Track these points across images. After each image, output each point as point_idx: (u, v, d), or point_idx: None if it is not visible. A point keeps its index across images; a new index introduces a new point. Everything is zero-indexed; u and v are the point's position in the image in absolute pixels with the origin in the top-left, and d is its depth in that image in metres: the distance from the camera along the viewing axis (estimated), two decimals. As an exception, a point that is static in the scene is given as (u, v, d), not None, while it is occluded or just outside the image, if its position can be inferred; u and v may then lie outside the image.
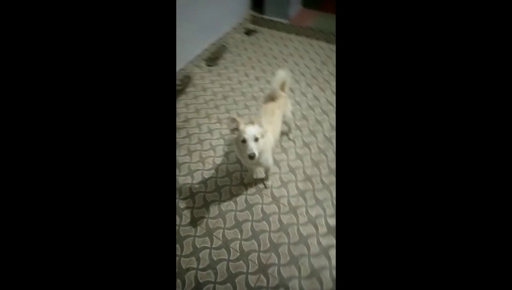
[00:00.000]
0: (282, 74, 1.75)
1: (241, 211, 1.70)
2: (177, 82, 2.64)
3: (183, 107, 2.51)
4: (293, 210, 1.71)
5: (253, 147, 1.34)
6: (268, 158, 1.63)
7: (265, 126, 1.56)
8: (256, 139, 1.41)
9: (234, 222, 1.64)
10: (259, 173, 1.86)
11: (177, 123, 2.33)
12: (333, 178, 1.84)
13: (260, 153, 1.46)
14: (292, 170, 1.92)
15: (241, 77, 2.77)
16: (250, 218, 1.66)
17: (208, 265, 1.45)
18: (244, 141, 1.36)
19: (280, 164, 1.96)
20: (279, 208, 1.72)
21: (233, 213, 1.70)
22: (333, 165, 1.91)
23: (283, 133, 2.03)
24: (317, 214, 1.67)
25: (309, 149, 2.04)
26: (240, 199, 1.77)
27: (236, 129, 1.39)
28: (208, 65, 2.93)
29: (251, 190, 1.82)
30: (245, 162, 1.54)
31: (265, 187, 1.84)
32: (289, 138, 2.12)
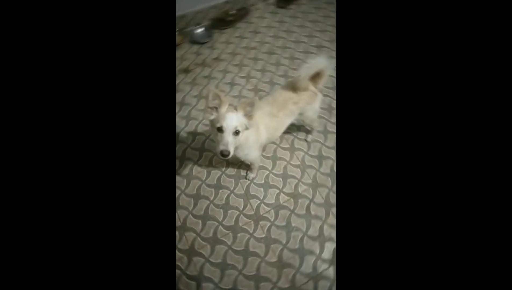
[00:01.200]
0: (320, 62, 1.20)
1: (208, 186, 1.52)
2: (231, 11, 2.24)
3: (223, 42, 2.18)
4: (256, 220, 1.43)
5: (229, 141, 1.03)
6: (249, 154, 1.28)
7: (258, 118, 1.16)
8: (237, 132, 1.05)
9: (195, 192, 1.50)
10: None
11: (207, 60, 2.06)
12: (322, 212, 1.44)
13: (238, 148, 1.14)
14: (284, 177, 1.57)
15: (302, 37, 2.19)
16: (210, 199, 1.49)
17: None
18: (220, 130, 1.04)
19: (278, 163, 1.60)
20: (244, 207, 1.47)
21: (200, 184, 1.53)
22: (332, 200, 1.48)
23: (299, 129, 1.64)
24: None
25: (320, 164, 1.58)
26: (214, 174, 1.57)
27: (215, 108, 1.07)
28: (280, 6, 2.41)
29: (230, 171, 1.58)
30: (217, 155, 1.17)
31: (245, 178, 1.57)
32: (305, 139, 1.66)
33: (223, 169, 1.58)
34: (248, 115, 1.07)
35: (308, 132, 1.66)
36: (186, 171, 1.56)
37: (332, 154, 1.63)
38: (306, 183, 1.52)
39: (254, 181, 1.54)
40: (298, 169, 1.57)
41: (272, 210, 1.44)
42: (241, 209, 1.45)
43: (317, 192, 1.49)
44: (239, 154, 1.21)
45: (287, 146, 1.65)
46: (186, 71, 2.02)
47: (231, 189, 1.51)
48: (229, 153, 1.02)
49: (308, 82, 1.24)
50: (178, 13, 2.22)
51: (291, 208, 1.44)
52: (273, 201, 1.47)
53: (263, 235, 1.37)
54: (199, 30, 2.19)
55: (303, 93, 1.27)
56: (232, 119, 1.02)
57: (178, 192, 1.50)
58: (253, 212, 1.43)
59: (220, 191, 1.51)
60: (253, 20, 2.31)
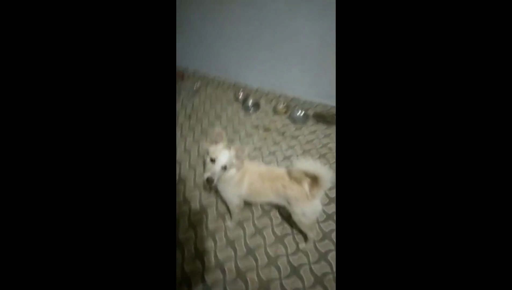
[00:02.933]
0: (314, 166, 1.21)
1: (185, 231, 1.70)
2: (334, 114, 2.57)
3: (310, 133, 2.51)
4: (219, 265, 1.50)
5: (216, 172, 1.26)
6: (227, 192, 1.46)
7: (248, 170, 1.37)
8: (225, 167, 1.29)
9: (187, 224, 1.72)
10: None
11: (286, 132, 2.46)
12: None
13: (221, 182, 1.36)
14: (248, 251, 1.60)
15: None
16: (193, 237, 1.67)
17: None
18: (213, 160, 1.28)
19: (256, 237, 1.67)
20: (215, 244, 1.59)
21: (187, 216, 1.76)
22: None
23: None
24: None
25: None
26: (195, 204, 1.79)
27: (214, 143, 1.30)
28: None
29: (212, 213, 1.77)
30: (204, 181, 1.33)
31: (224, 222, 1.70)
32: (297, 246, 1.63)
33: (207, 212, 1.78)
34: (238, 158, 1.31)
35: (305, 237, 1.61)
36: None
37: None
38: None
39: (228, 230, 1.67)
40: (265, 256, 1.59)
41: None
42: (213, 247, 1.63)
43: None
44: (220, 187, 1.45)
45: (278, 233, 1.70)
46: (266, 129, 2.50)
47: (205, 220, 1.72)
48: (213, 180, 1.26)
49: (302, 176, 1.29)
50: (293, 94, 2.79)
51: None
52: (244, 249, 1.57)
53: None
54: (300, 113, 2.67)
55: (295, 184, 1.33)
56: (225, 156, 1.27)
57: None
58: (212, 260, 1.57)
59: (197, 228, 1.72)
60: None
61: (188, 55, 3.13)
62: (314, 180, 1.30)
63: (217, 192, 1.65)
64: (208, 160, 1.30)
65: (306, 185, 1.33)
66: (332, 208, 1.85)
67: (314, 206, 1.37)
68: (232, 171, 1.36)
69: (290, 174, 1.35)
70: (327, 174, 1.23)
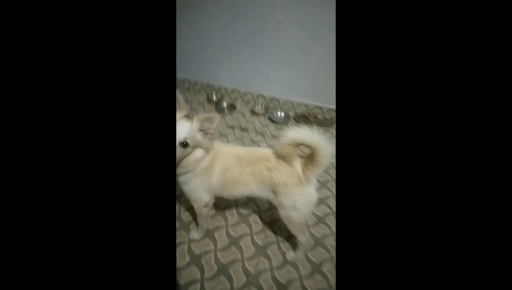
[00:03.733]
0: (309, 134, 0.92)
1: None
2: (318, 115, 2.36)
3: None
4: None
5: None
6: (194, 190, 1.08)
7: (220, 154, 1.03)
8: (184, 144, 0.92)
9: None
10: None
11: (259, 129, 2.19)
12: None
13: (183, 175, 1.00)
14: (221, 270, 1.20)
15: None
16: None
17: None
18: None
19: (231, 248, 1.29)
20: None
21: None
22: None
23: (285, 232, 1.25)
24: None
25: None
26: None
27: None
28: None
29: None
30: None
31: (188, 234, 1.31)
32: (284, 256, 1.27)
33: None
34: (206, 132, 0.94)
35: (294, 244, 1.26)
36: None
37: None
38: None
39: (192, 243, 1.29)
40: (242, 273, 1.19)
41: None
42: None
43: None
44: (182, 179, 1.07)
45: (259, 242, 1.33)
46: (243, 129, 2.22)
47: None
48: None
49: (293, 153, 0.98)
50: (272, 95, 2.54)
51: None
52: (181, 283, 1.14)
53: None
54: (280, 114, 2.43)
55: (282, 165, 1.01)
56: (183, 127, 0.91)
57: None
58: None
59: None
60: (332, 131, 2.31)
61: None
62: (309, 158, 0.98)
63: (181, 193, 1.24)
64: None
65: (298, 165, 1.00)
66: (322, 210, 1.52)
67: (308, 194, 1.03)
68: (197, 154, 0.99)
69: (278, 152, 1.01)
70: (327, 146, 0.93)
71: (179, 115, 0.94)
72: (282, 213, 1.09)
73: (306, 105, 2.51)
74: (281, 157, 1.01)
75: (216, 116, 0.95)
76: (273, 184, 1.03)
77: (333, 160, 0.94)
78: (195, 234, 1.31)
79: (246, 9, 2.24)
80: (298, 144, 0.96)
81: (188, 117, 0.98)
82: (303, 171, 1.00)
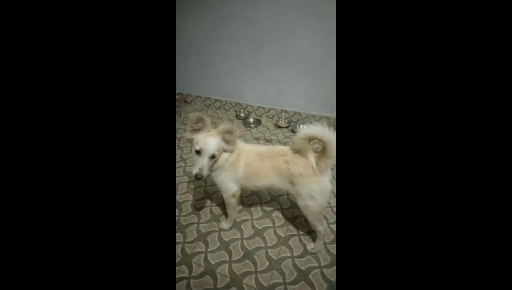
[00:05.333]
0: (319, 130, 1.07)
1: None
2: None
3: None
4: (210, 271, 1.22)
5: (204, 165, 1.12)
6: (223, 182, 1.27)
7: (243, 150, 1.22)
8: (213, 157, 1.13)
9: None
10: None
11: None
12: None
13: (215, 171, 1.20)
14: (247, 254, 1.29)
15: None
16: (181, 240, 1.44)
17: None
18: (198, 152, 1.13)
19: (256, 239, 1.43)
20: (206, 247, 1.35)
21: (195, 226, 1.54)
22: None
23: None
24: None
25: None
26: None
27: (197, 130, 1.15)
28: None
29: (204, 215, 1.58)
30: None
31: (218, 224, 1.49)
32: (308, 249, 1.36)
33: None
34: (227, 141, 1.16)
35: (314, 238, 1.37)
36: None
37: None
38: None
39: (221, 231, 1.45)
40: (265, 259, 1.33)
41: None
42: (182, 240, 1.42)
43: None
44: (213, 174, 1.27)
45: (281, 234, 1.46)
46: (268, 140, 2.38)
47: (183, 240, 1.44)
48: (202, 176, 1.11)
49: (308, 147, 1.14)
50: (295, 109, 2.75)
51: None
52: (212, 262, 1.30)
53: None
54: (302, 126, 2.61)
55: (298, 158, 1.17)
56: (210, 144, 1.11)
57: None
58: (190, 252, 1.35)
59: (186, 229, 1.51)
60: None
61: (191, 80, 3.25)
62: (322, 151, 1.15)
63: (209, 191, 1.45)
64: (193, 152, 1.16)
65: (312, 158, 1.16)
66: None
67: (322, 184, 1.17)
68: (224, 156, 1.22)
69: (294, 147, 1.20)
70: (319, 131, 1.09)
71: (204, 133, 1.15)
72: (300, 202, 1.24)
73: (328, 118, 2.66)
74: (297, 151, 1.19)
75: (234, 129, 1.16)
76: (290, 175, 1.19)
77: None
78: (224, 224, 1.48)
79: (268, 37, 2.55)
80: (311, 139, 1.13)
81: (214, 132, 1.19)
82: (317, 163, 1.16)
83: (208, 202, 1.70)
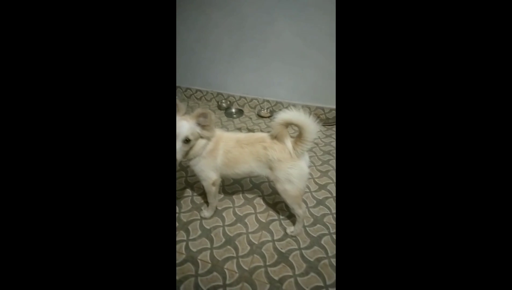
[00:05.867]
0: (295, 114, 1.10)
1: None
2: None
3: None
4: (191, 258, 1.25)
5: (178, 148, 1.12)
6: (202, 170, 1.28)
7: (222, 138, 1.23)
8: (187, 140, 1.14)
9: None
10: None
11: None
12: None
13: (193, 159, 1.21)
14: (228, 240, 1.34)
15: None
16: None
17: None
18: None
19: (237, 225, 1.45)
20: (187, 235, 1.34)
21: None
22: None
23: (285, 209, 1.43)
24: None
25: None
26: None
27: None
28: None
29: (186, 205, 1.58)
30: None
31: (200, 213, 1.49)
32: (285, 230, 1.40)
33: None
34: (203, 125, 1.16)
35: (294, 222, 1.40)
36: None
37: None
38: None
39: (203, 220, 1.47)
40: (246, 244, 1.36)
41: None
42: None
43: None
44: (192, 163, 1.28)
45: (262, 220, 1.49)
46: (250, 130, 2.36)
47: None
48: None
49: (283, 131, 1.17)
50: (276, 99, 2.75)
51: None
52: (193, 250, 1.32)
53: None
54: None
55: (276, 143, 1.19)
56: (183, 127, 1.11)
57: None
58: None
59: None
60: (335, 130, 2.48)
61: (172, 70, 3.16)
62: (298, 136, 1.17)
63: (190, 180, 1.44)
64: None
65: (289, 143, 1.19)
66: (323, 194, 1.66)
67: (300, 168, 1.20)
68: (201, 142, 1.22)
69: (271, 133, 1.22)
70: (311, 124, 1.12)
71: (178, 116, 1.15)
72: (279, 187, 1.26)
73: (309, 107, 2.69)
74: (274, 137, 1.20)
75: (209, 112, 1.15)
76: (269, 160, 1.21)
77: (317, 134, 1.12)
78: (206, 213, 1.48)
79: (249, 26, 2.52)
80: (288, 124, 1.15)
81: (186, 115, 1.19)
82: (294, 148, 1.18)
83: (189, 192, 1.69)
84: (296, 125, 1.13)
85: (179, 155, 1.13)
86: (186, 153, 1.20)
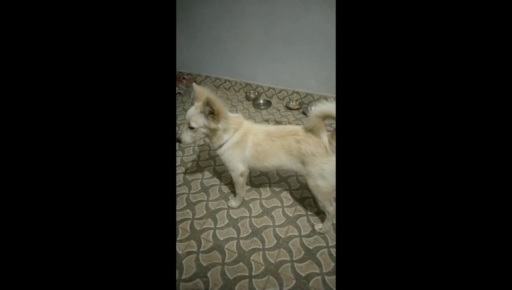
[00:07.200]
0: (325, 106, 1.06)
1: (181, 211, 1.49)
2: None
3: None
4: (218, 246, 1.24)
5: (183, 132, 1.23)
6: (229, 161, 1.29)
7: (251, 131, 1.23)
8: (191, 127, 1.19)
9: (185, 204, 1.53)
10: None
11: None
12: None
13: (217, 147, 1.27)
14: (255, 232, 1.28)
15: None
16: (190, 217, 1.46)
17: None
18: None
19: (264, 217, 1.42)
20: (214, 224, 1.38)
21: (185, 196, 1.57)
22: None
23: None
24: None
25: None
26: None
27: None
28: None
29: (214, 193, 1.60)
30: None
31: (227, 203, 1.51)
32: (316, 229, 1.35)
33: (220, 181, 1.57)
34: (207, 113, 1.15)
35: (322, 219, 1.36)
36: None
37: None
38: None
39: (230, 209, 1.47)
40: (273, 237, 1.34)
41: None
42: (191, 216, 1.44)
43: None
44: (219, 152, 1.30)
45: (290, 214, 1.46)
46: (277, 122, 2.31)
47: (191, 216, 1.47)
48: (179, 140, 1.24)
49: (320, 124, 1.11)
50: (307, 91, 2.67)
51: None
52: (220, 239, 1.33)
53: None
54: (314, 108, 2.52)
55: (311, 137, 1.14)
56: (188, 114, 1.20)
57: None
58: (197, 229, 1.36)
59: (196, 206, 1.53)
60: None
61: (201, 60, 3.18)
62: (335, 131, 1.10)
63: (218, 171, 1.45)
64: None
65: (325, 137, 1.13)
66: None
67: (334, 163, 1.13)
68: (218, 133, 1.23)
69: (307, 125, 1.16)
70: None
71: (197, 101, 1.20)
72: (311, 182, 1.22)
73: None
74: (309, 130, 1.15)
75: (213, 100, 1.12)
76: (302, 154, 1.16)
77: None
78: (233, 203, 1.49)
79: (281, 13, 2.44)
80: (325, 117, 1.09)
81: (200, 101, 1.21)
82: (330, 142, 1.12)
83: (217, 181, 1.71)
84: (334, 118, 1.07)
85: (184, 138, 1.23)
86: (208, 137, 1.27)
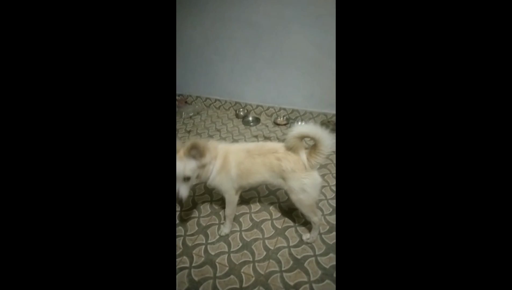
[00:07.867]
0: (312, 128, 1.14)
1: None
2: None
3: None
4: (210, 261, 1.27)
5: (180, 188, 1.16)
6: (220, 185, 1.30)
7: (231, 151, 1.26)
8: (187, 179, 1.17)
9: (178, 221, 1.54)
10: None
11: None
12: None
13: (205, 181, 1.26)
14: (245, 245, 1.35)
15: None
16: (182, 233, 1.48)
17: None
18: None
19: (254, 230, 1.48)
20: (206, 239, 1.38)
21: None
22: None
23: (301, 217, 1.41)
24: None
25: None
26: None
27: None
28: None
29: (205, 210, 1.61)
30: None
31: (217, 232, 1.49)
32: (304, 239, 1.41)
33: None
34: (197, 156, 1.17)
35: (310, 229, 1.41)
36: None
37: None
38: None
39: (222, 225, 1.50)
40: (262, 249, 1.39)
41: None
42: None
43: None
44: (210, 183, 1.32)
45: (278, 226, 1.52)
46: (266, 138, 2.39)
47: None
48: (181, 199, 1.17)
49: (299, 145, 1.19)
50: (293, 107, 2.81)
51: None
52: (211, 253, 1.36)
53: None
54: (300, 123, 2.65)
55: (290, 155, 1.21)
56: (179, 168, 1.13)
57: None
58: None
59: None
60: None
61: (191, 81, 3.32)
62: (312, 148, 1.20)
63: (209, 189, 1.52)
64: None
65: (303, 154, 1.22)
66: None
67: (313, 178, 1.23)
68: (205, 169, 1.25)
69: (286, 144, 1.24)
70: (327, 138, 1.14)
71: (177, 156, 1.15)
72: (293, 197, 1.29)
73: (325, 114, 2.71)
74: (289, 148, 1.24)
75: (198, 143, 1.15)
76: (282, 171, 1.24)
77: (333, 148, 1.14)
78: (224, 230, 1.47)
79: (266, 37, 2.61)
80: (303, 137, 1.19)
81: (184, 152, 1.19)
82: (308, 159, 1.21)
83: (208, 197, 1.76)
84: (311, 138, 1.16)
85: (183, 194, 1.17)
86: (191, 185, 1.25)
